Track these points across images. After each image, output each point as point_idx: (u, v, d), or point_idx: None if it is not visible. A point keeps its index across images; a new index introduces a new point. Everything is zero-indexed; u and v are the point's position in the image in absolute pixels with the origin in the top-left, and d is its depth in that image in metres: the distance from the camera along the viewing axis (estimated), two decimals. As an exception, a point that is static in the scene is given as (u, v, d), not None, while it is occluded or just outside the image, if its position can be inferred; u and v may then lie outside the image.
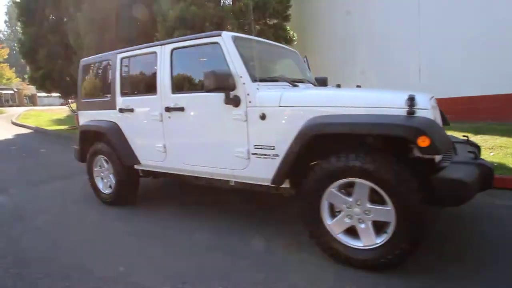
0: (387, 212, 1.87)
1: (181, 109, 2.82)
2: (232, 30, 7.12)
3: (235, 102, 2.45)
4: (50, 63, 11.52)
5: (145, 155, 3.24)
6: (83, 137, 3.78)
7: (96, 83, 3.80)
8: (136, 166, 3.39)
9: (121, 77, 3.35)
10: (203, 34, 2.72)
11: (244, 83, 2.43)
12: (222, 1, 7.87)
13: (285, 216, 2.99)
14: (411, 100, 1.88)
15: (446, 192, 1.72)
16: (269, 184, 2.46)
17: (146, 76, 3.25)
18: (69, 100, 14.08)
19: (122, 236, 2.78)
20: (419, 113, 1.87)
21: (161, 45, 2.97)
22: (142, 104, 3.17)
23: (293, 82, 2.78)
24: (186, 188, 4.17)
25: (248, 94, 2.42)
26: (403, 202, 1.79)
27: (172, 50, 2.88)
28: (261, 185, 2.62)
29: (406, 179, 1.78)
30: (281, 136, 2.31)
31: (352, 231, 2.06)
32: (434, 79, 7.05)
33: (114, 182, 3.52)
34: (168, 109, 2.90)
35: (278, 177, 2.26)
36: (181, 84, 2.92)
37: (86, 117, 3.79)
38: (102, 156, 3.59)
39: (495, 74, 6.40)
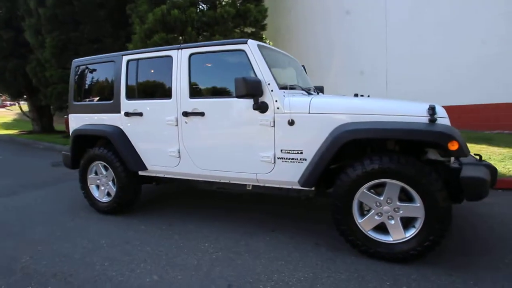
0: (416, 208, 2.09)
1: (201, 114, 2.82)
2: (216, 37, 7.16)
3: (263, 108, 2.54)
4: (1, 61, 10.40)
5: (154, 161, 3.15)
6: (76, 142, 3.54)
7: (94, 85, 3.60)
8: (141, 172, 3.27)
9: (127, 80, 3.23)
10: (226, 41, 2.76)
11: (272, 90, 2.54)
12: (202, 7, 7.88)
13: (300, 218, 3.12)
14: (432, 110, 2.15)
15: (471, 189, 1.99)
16: (295, 187, 2.59)
17: (157, 79, 3.18)
18: (19, 102, 12.80)
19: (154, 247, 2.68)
20: (439, 121, 2.15)
21: (177, 49, 2.95)
22: (153, 108, 3.09)
23: (308, 90, 2.96)
24: (187, 193, 4.11)
25: (276, 101, 2.53)
26: (432, 200, 2.02)
27: (191, 55, 2.88)
28: (280, 188, 2.74)
29: (434, 179, 2.02)
30: (310, 141, 2.45)
31: (379, 228, 2.26)
32: (399, 88, 7.79)
33: (114, 189, 3.35)
34: (185, 114, 2.88)
35: (310, 180, 2.38)
36: (200, 89, 2.92)
37: (80, 121, 3.56)
38: (100, 162, 3.40)
39: (454, 85, 7.26)
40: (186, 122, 2.90)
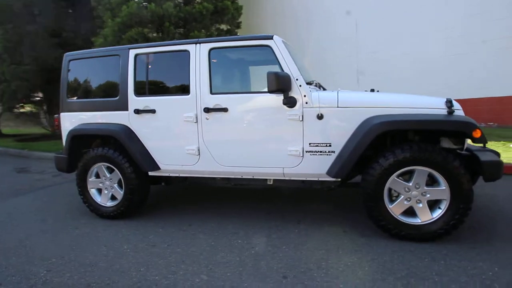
0: (442, 191, 2.32)
1: (224, 109, 2.78)
2: (194, 33, 7.00)
3: (291, 103, 2.60)
4: None
5: (169, 160, 3.02)
6: (74, 143, 3.25)
7: (92, 80, 3.32)
8: (151, 173, 3.12)
9: (135, 75, 3.05)
10: (250, 36, 2.76)
11: (300, 85, 2.61)
12: (178, 1, 7.63)
13: (319, 209, 3.22)
14: (450, 103, 2.40)
15: (491, 171, 2.27)
16: (321, 178, 2.69)
17: (172, 74, 3.05)
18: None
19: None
20: (456, 113, 2.41)
21: (195, 43, 2.86)
22: (168, 104, 2.96)
23: (321, 85, 3.10)
24: (189, 190, 3.99)
25: (304, 96, 2.60)
26: (457, 183, 2.26)
27: (211, 49, 2.82)
28: (303, 181, 2.83)
29: (458, 164, 2.27)
30: (338, 133, 2.57)
31: (406, 211, 2.46)
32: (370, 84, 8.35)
33: (121, 192, 3.15)
34: (207, 110, 2.81)
35: (343, 171, 2.49)
36: (221, 85, 2.88)
37: (77, 120, 3.27)
38: (103, 163, 3.16)
39: (423, 89, 7.96)
40: (207, 118, 2.84)
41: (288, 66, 2.63)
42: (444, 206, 2.34)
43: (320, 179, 2.73)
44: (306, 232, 2.70)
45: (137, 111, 3.02)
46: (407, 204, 2.43)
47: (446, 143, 2.59)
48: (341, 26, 8.78)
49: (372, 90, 3.15)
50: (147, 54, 3.03)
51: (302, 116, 2.62)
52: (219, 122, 2.83)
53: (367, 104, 2.55)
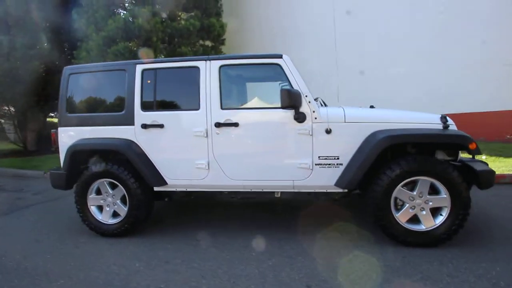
0: (444, 199, 2.53)
1: (235, 124, 2.85)
2: (182, 49, 7.06)
3: (301, 118, 2.73)
4: None
5: (177, 174, 3.01)
6: (74, 159, 3.13)
7: (96, 95, 3.26)
8: (157, 188, 3.08)
9: (142, 90, 3.05)
10: (259, 54, 2.89)
11: (309, 102, 2.76)
12: (163, 18, 7.68)
13: (317, 221, 3.33)
14: (445, 118, 2.66)
15: (486, 180, 2.51)
16: (329, 190, 2.82)
17: (180, 90, 3.08)
18: None
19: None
20: (451, 127, 2.67)
21: (205, 60, 2.94)
22: (177, 119, 2.98)
23: (323, 102, 3.28)
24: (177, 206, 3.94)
25: (313, 111, 2.75)
26: (456, 191, 2.48)
27: (221, 66, 2.91)
28: (309, 193, 2.95)
29: (457, 174, 2.49)
30: (346, 147, 2.73)
31: (410, 219, 2.63)
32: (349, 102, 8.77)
33: (125, 208, 3.07)
34: (218, 125, 2.87)
35: (353, 182, 2.63)
36: (231, 100, 2.96)
37: (77, 135, 3.17)
38: (106, 179, 3.08)
39: (388, 93, 8.43)
40: (217, 133, 2.89)
41: (298, 83, 2.77)
42: (445, 213, 2.54)
43: (328, 190, 2.85)
44: (315, 243, 2.78)
45: (144, 126, 3.00)
46: (412, 212, 2.60)
47: (440, 155, 2.84)
48: (322, 42, 9.19)
49: (372, 107, 3.38)
50: (155, 69, 3.05)
51: (312, 130, 2.75)
52: (229, 137, 2.88)
53: (371, 119, 2.74)
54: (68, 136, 3.22)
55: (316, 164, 2.78)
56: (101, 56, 6.66)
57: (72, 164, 3.15)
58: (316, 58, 9.32)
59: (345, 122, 2.74)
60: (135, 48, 6.55)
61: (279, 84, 3.78)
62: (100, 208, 3.19)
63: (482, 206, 3.53)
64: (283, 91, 2.59)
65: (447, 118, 2.69)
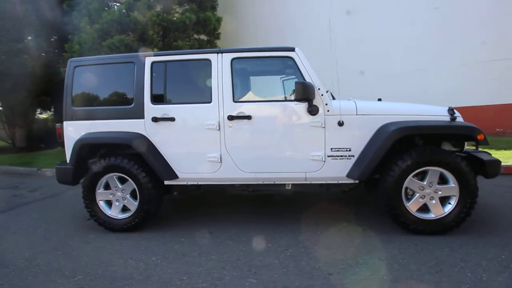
0: (452, 188, 2.62)
1: (248, 117, 2.86)
2: (178, 43, 6.97)
3: (315, 111, 2.77)
4: None
5: (188, 168, 3.00)
6: (82, 153, 3.07)
7: (103, 88, 3.19)
8: (167, 182, 3.07)
9: (152, 83, 3.01)
10: (272, 47, 2.90)
11: (322, 94, 2.79)
12: (158, 11, 7.54)
13: (325, 212, 3.39)
14: (452, 110, 2.75)
15: (493, 169, 2.62)
16: (341, 181, 2.87)
17: (191, 82, 3.06)
18: None
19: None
20: (457, 119, 2.76)
21: (217, 53, 2.92)
22: (188, 112, 2.96)
23: (332, 95, 3.32)
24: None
25: (326, 104, 2.79)
26: (465, 180, 2.57)
27: (233, 59, 2.90)
28: (321, 185, 3.00)
29: (466, 164, 2.59)
30: (357, 139, 2.79)
31: (420, 208, 2.72)
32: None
33: (135, 203, 3.04)
34: (231, 118, 2.87)
35: (365, 173, 2.69)
36: (243, 93, 2.96)
37: (83, 129, 3.11)
38: (115, 174, 3.04)
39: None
40: (230, 126, 2.89)
41: (310, 76, 2.80)
42: (454, 201, 2.64)
43: (339, 182, 2.91)
44: (328, 233, 2.84)
45: (155, 119, 2.97)
46: (422, 201, 2.69)
47: (446, 146, 2.93)
48: (318, 40, 9.23)
49: (379, 100, 3.45)
50: (165, 62, 3.01)
51: (324, 123, 2.79)
52: (242, 130, 2.89)
53: (382, 112, 2.81)
54: (74, 130, 3.15)
55: (328, 156, 2.82)
56: (95, 50, 6.49)
57: (79, 159, 3.09)
58: (311, 56, 9.34)
59: (356, 114, 2.79)
60: (130, 42, 6.40)
61: (280, 78, 3.83)
62: (109, 203, 3.15)
63: (480, 196, 3.67)
64: (298, 83, 2.62)
65: (454, 110, 2.78)
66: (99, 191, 3.11)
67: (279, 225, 3.06)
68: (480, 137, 2.55)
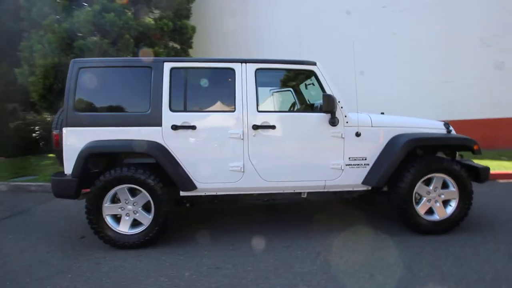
0: (453, 192, 2.98)
1: (272, 127, 2.91)
2: (155, 49, 6.71)
3: (336, 122, 2.94)
4: None
5: (209, 177, 2.91)
6: (87, 163, 2.77)
7: (112, 92, 2.95)
8: (184, 193, 2.94)
9: (171, 90, 2.88)
10: (294, 60, 3.01)
11: (342, 107, 2.98)
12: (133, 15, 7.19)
13: (341, 217, 3.55)
14: (447, 125, 3.17)
15: (485, 175, 3.04)
16: (356, 188, 3.07)
17: (212, 91, 3.00)
18: None
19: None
20: (452, 132, 3.18)
21: (241, 62, 2.94)
22: (210, 121, 2.90)
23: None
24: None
25: (345, 116, 2.98)
26: (464, 185, 2.95)
27: (257, 69, 2.94)
28: (335, 192, 3.16)
29: (464, 171, 2.97)
30: (372, 148, 3.03)
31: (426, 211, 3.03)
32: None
33: (149, 216, 2.84)
34: (255, 127, 2.88)
35: (382, 180, 2.92)
36: (266, 103, 3.00)
37: (89, 136, 2.82)
38: (127, 185, 2.81)
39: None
40: (254, 135, 2.90)
41: (331, 89, 2.98)
42: (454, 204, 3.00)
43: (354, 189, 3.10)
44: (348, 239, 2.97)
45: (174, 127, 2.84)
46: (428, 204, 3.00)
47: (440, 155, 3.34)
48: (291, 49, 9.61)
49: (382, 113, 3.78)
50: (186, 68, 2.92)
51: (344, 133, 2.98)
52: (266, 139, 2.92)
53: (392, 124, 3.10)
54: (76, 137, 2.85)
55: (346, 165, 3.00)
56: (61, 50, 5.92)
57: (84, 169, 2.79)
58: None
59: (371, 126, 3.04)
60: (105, 45, 5.96)
61: (270, 90, 3.98)
62: (115, 218, 2.88)
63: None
64: (325, 96, 2.77)
65: (449, 124, 3.20)
66: (106, 205, 2.83)
67: (298, 232, 3.11)
68: (475, 147, 2.97)
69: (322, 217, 3.57)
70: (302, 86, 3.75)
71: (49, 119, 9.78)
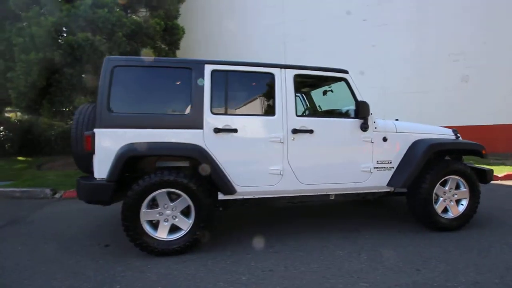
0: (465, 192, 3.32)
1: (310, 131, 3.01)
2: (147, 49, 6.49)
3: (367, 127, 3.13)
4: None
5: (249, 181, 2.92)
6: (124, 166, 2.63)
7: (150, 94, 2.82)
8: (223, 196, 2.92)
9: (212, 92, 2.85)
10: (329, 68, 3.15)
11: (371, 113, 3.18)
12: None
13: (362, 217, 3.74)
14: (456, 131, 3.53)
15: (490, 177, 3.42)
16: (381, 190, 3.28)
17: (252, 94, 3.02)
18: None
19: (283, 269, 2.50)
20: (459, 138, 3.55)
21: (280, 67, 3.00)
22: (252, 124, 2.92)
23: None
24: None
25: (374, 122, 3.19)
26: (474, 186, 3.31)
27: (295, 75, 3.03)
28: (358, 194, 3.35)
29: (473, 173, 3.33)
30: (396, 153, 3.27)
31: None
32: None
33: (189, 221, 2.77)
34: (295, 131, 2.96)
35: (407, 182, 3.15)
36: (303, 108, 3.09)
37: (125, 138, 2.69)
38: (167, 189, 2.71)
39: None
40: (293, 139, 2.98)
41: (361, 96, 3.17)
42: (465, 202, 3.34)
43: (378, 190, 3.31)
44: (377, 237, 3.15)
45: (217, 130, 2.81)
46: (444, 204, 3.31)
47: (447, 159, 3.69)
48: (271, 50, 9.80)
49: (396, 120, 4.05)
50: (226, 71, 2.91)
51: (373, 138, 3.18)
52: (304, 143, 3.01)
53: (413, 130, 3.38)
54: (111, 140, 2.70)
55: (374, 168, 3.20)
56: (48, 45, 5.48)
57: (121, 173, 2.64)
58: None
59: (396, 132, 3.28)
60: (98, 42, 5.62)
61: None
62: (152, 224, 2.76)
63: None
64: (362, 103, 2.96)
65: (457, 131, 3.57)
66: (143, 210, 2.70)
67: (328, 233, 3.23)
68: (484, 152, 3.35)
69: (336, 219, 3.74)
70: (314, 93, 3.94)
71: (15, 119, 8.89)
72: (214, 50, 10.15)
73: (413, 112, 8.91)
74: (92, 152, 2.70)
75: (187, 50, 9.84)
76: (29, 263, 2.65)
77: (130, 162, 2.77)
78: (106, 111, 2.70)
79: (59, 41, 5.48)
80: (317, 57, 9.67)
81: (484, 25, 8.54)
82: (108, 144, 2.69)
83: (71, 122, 2.87)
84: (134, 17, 6.54)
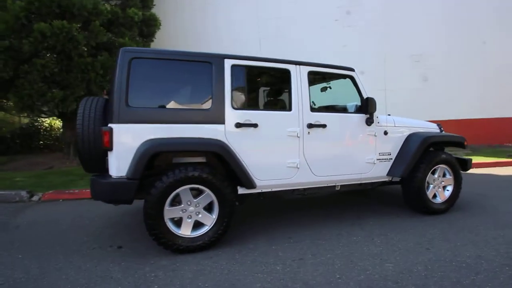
0: (450, 179, 3.74)
1: (323, 126, 3.16)
2: (125, 39, 6.14)
3: (371, 122, 3.37)
4: None
5: (268, 175, 2.99)
6: (147, 162, 2.52)
7: (169, 87, 2.72)
8: (244, 191, 2.95)
9: (232, 87, 2.85)
10: (338, 66, 3.32)
11: (374, 109, 3.43)
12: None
13: (365, 207, 3.99)
14: (440, 125, 3.96)
15: (469, 165, 3.88)
16: (380, 180, 3.57)
17: (270, 90, 3.05)
18: None
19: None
20: (443, 131, 3.98)
21: (295, 64, 3.09)
22: (271, 119, 2.98)
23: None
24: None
25: (377, 117, 3.44)
26: (457, 174, 3.74)
27: (309, 72, 3.15)
28: (360, 184, 3.61)
29: (457, 163, 3.76)
30: (395, 145, 3.58)
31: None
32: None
33: (213, 217, 2.76)
34: (310, 126, 3.08)
35: (406, 171, 3.46)
36: (315, 104, 3.22)
37: (144, 133, 2.59)
38: (191, 185, 2.67)
39: None
40: (308, 133, 3.10)
41: (366, 93, 3.40)
42: (450, 188, 3.77)
43: (379, 180, 3.59)
44: (380, 223, 3.41)
45: (238, 125, 2.82)
46: (433, 190, 3.70)
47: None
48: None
49: (389, 115, 4.36)
50: (245, 66, 2.92)
51: (376, 132, 3.43)
52: (318, 137, 3.16)
53: (408, 125, 3.71)
54: (130, 135, 2.58)
55: (377, 159, 3.47)
56: (17, 32, 4.93)
57: (145, 169, 2.53)
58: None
59: (395, 126, 3.58)
60: (74, 30, 5.17)
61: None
62: (174, 221, 2.70)
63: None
64: (371, 99, 3.18)
65: (441, 125, 3.99)
66: (167, 208, 2.63)
67: (336, 222, 3.43)
68: (466, 143, 3.80)
69: (335, 209, 3.98)
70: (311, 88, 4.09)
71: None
72: (184, 44, 9.88)
73: (378, 108, 9.60)
74: (110, 148, 2.55)
75: (160, 42, 9.46)
76: (40, 271, 2.43)
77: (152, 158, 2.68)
78: (124, 106, 2.56)
79: (30, 27, 4.92)
80: (291, 54, 9.93)
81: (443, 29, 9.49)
82: (127, 140, 2.56)
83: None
84: (107, 5, 6.11)
